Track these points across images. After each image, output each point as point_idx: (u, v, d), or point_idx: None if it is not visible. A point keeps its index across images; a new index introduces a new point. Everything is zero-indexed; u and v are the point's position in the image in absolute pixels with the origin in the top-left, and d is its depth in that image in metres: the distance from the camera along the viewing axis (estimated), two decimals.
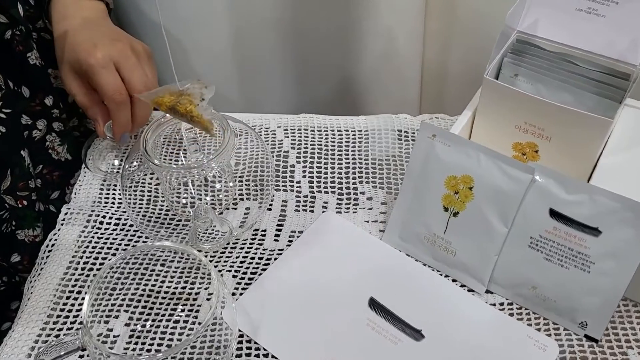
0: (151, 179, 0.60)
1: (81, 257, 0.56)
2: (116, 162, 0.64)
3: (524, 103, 0.51)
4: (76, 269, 0.55)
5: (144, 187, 0.60)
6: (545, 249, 0.48)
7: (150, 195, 0.59)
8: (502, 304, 0.51)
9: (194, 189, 0.57)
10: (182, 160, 0.62)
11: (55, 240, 0.57)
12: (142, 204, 0.58)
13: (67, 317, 0.52)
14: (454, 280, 0.53)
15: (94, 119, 0.60)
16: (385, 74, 0.83)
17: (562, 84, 0.52)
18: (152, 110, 0.62)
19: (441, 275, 0.53)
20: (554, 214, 0.47)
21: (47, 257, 0.56)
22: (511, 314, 0.50)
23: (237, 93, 0.88)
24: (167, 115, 0.51)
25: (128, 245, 0.57)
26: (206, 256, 0.55)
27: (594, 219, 0.46)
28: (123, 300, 0.52)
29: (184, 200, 0.57)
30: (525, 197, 0.48)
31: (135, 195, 0.58)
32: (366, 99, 0.86)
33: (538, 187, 0.48)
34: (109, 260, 0.56)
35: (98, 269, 0.55)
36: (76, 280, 0.54)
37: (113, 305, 0.51)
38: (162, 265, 0.53)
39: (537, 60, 0.54)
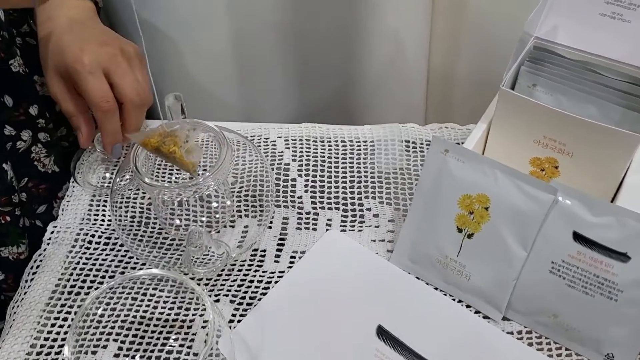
0: (143, 195, 0.56)
1: (68, 280, 0.52)
2: (107, 175, 0.61)
3: (544, 116, 0.48)
4: (62, 292, 0.52)
5: (135, 203, 0.56)
6: (568, 274, 0.44)
7: (142, 213, 0.55)
8: (520, 333, 0.47)
9: (188, 209, 0.54)
10: (175, 176, 0.58)
11: (40, 261, 0.54)
12: (132, 222, 0.54)
13: (52, 346, 0.48)
14: (468, 306, 0.49)
15: (77, 127, 0.56)
16: (391, 78, 0.79)
17: (585, 95, 0.49)
18: (143, 121, 0.58)
19: (454, 300, 0.49)
20: (578, 237, 0.44)
21: (32, 279, 0.53)
22: (530, 344, 0.47)
23: (237, 97, 0.84)
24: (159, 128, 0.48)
25: (118, 266, 0.53)
26: (200, 280, 0.51)
27: (622, 243, 0.42)
28: (112, 328, 0.48)
29: (177, 221, 0.53)
30: (546, 219, 0.44)
31: (127, 212, 0.55)
32: (370, 104, 0.82)
33: (561, 209, 0.44)
34: (98, 283, 0.52)
35: (86, 293, 0.52)
36: (62, 305, 0.51)
37: (101, 334, 0.48)
38: (155, 289, 0.50)
39: (557, 69, 0.50)
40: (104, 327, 0.48)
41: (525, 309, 0.47)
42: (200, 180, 0.46)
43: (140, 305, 0.49)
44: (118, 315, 0.49)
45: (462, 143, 0.60)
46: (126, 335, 0.48)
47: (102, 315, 0.48)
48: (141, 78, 0.56)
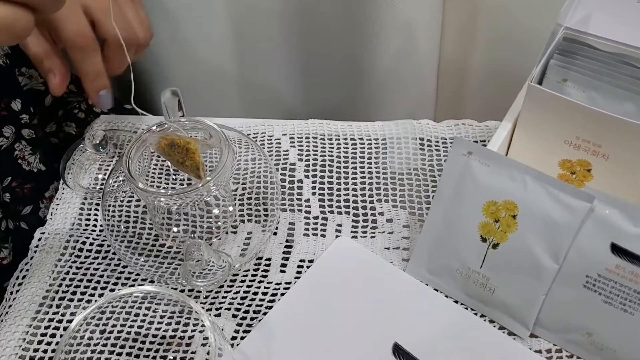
0: (138, 199, 0.52)
1: (57, 292, 0.48)
2: (100, 177, 0.57)
3: (577, 114, 0.44)
4: (50, 305, 0.47)
5: (129, 208, 0.52)
6: (605, 290, 0.40)
7: (136, 219, 0.51)
8: (549, 351, 0.43)
9: (187, 214, 0.49)
10: (172, 179, 0.54)
11: (27, 271, 0.50)
12: (127, 229, 0.50)
13: None
14: (491, 322, 0.45)
15: (48, 70, 0.47)
16: (401, 71, 0.75)
17: (622, 91, 0.44)
18: (129, 60, 0.48)
19: (476, 315, 0.46)
20: (616, 249, 0.40)
21: (17, 291, 0.49)
22: None
23: (237, 90, 0.80)
24: (155, 127, 0.44)
25: (111, 277, 0.49)
26: (200, 293, 0.47)
27: None
28: (104, 346, 0.44)
29: (175, 228, 0.49)
30: (581, 229, 0.40)
31: (120, 218, 0.50)
32: (379, 98, 0.78)
33: (597, 218, 0.40)
34: (89, 295, 0.48)
35: (77, 306, 0.47)
36: (50, 320, 0.47)
37: (92, 352, 0.44)
38: (150, 303, 0.46)
39: (590, 62, 0.46)
40: (95, 345, 0.44)
41: (555, 325, 0.43)
42: (199, 186, 0.42)
43: (135, 321, 0.45)
44: (110, 332, 0.45)
45: (483, 142, 0.56)
46: (119, 354, 0.44)
47: (92, 332, 0.44)
48: (132, 14, 0.48)
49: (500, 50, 0.76)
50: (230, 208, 0.51)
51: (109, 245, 0.51)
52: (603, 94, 0.45)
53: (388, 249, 0.50)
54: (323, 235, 0.51)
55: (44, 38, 0.47)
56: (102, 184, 0.56)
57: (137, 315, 0.45)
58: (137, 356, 0.44)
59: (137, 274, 0.49)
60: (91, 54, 0.45)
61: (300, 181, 0.55)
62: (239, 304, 0.47)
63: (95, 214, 0.53)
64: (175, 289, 0.47)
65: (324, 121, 0.59)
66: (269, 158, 0.56)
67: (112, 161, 0.57)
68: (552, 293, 0.42)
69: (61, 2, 0.31)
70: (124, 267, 0.49)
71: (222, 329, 0.45)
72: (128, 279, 0.49)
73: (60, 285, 0.49)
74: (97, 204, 0.54)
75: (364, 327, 0.45)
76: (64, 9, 0.43)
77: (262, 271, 0.49)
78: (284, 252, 0.50)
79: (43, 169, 0.57)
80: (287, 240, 0.51)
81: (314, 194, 0.54)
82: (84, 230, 0.52)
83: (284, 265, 0.49)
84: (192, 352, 0.44)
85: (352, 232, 0.51)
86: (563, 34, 0.47)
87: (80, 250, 0.51)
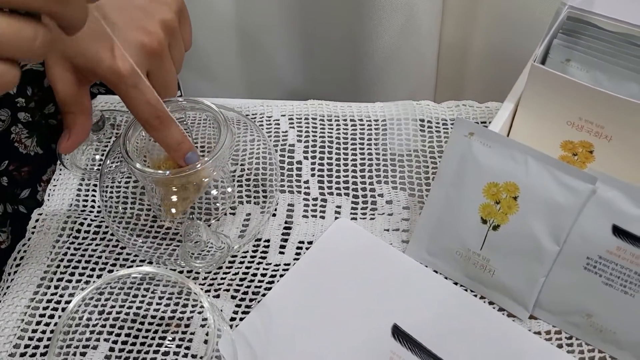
0: (136, 180, 0.51)
1: (55, 273, 0.48)
2: (97, 157, 0.56)
3: (580, 95, 0.43)
4: (49, 287, 0.47)
5: (127, 189, 0.51)
6: (606, 272, 0.40)
7: (134, 200, 0.51)
8: (548, 333, 0.43)
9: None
10: None
11: (25, 252, 0.49)
12: (125, 209, 0.50)
13: (37, 347, 0.44)
14: (491, 303, 0.45)
15: (68, 126, 0.43)
16: (402, 52, 0.74)
17: (626, 71, 0.44)
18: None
19: (476, 297, 0.45)
20: (618, 231, 0.39)
21: (15, 272, 0.48)
22: (560, 345, 0.43)
23: (236, 71, 0.79)
24: None
25: (109, 258, 0.49)
26: (198, 274, 0.47)
27: None
28: (103, 327, 0.44)
29: (173, 209, 0.49)
30: (583, 211, 0.40)
31: (117, 199, 0.50)
32: (379, 78, 0.77)
33: (599, 200, 0.40)
34: (87, 276, 0.48)
35: (75, 287, 0.47)
36: (48, 301, 0.46)
37: (91, 333, 0.44)
38: (149, 284, 0.46)
39: (594, 42, 0.45)
40: (94, 326, 0.44)
41: (555, 307, 0.43)
42: (198, 167, 0.41)
43: (134, 302, 0.45)
44: (109, 313, 0.44)
45: (484, 123, 0.56)
46: (118, 335, 0.44)
47: (91, 313, 0.44)
48: (177, 55, 0.44)
49: (501, 31, 0.75)
50: (229, 189, 0.50)
51: (106, 227, 0.50)
52: (607, 75, 0.44)
53: (387, 230, 0.50)
54: (322, 217, 0.51)
55: (79, 92, 0.42)
56: (99, 165, 0.55)
57: (135, 296, 0.45)
58: (136, 337, 0.44)
59: (135, 255, 0.49)
60: (167, 129, 0.41)
61: (299, 162, 0.54)
62: (237, 285, 0.47)
63: (93, 195, 0.53)
64: (174, 270, 0.47)
65: (324, 102, 0.59)
66: (268, 139, 0.55)
67: (109, 142, 0.56)
68: (553, 275, 0.42)
69: (41, 57, 0.28)
70: (122, 248, 0.49)
71: (221, 310, 0.45)
72: (126, 260, 0.49)
73: (58, 266, 0.48)
74: (95, 185, 0.54)
75: (363, 308, 0.45)
76: (133, 90, 0.39)
77: (261, 252, 0.49)
78: (283, 234, 0.50)
79: (40, 152, 0.56)
80: (286, 222, 0.50)
81: (313, 175, 0.53)
82: (82, 211, 0.52)
83: (283, 246, 0.49)
84: (191, 333, 0.44)
85: (351, 213, 0.51)
86: (567, 13, 0.47)
87: (78, 231, 0.50)
